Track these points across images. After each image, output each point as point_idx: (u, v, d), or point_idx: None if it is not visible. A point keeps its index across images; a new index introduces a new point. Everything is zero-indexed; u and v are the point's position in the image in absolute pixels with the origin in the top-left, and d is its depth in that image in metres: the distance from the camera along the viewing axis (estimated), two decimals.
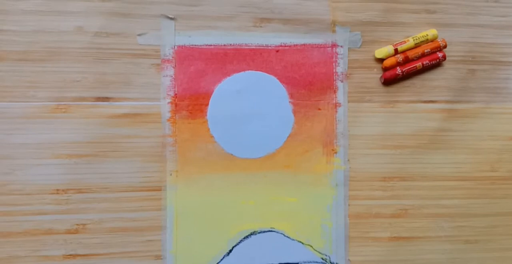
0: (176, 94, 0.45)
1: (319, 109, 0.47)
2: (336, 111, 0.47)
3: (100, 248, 0.44)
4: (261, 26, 0.47)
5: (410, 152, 0.48)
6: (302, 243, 0.46)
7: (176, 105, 0.45)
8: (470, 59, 0.49)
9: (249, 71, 0.46)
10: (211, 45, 0.46)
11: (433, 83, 0.49)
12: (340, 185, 0.47)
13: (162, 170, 0.45)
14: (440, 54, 0.48)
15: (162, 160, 0.45)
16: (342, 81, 0.47)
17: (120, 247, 0.44)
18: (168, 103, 0.45)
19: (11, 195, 0.43)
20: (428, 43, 0.48)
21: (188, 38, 0.46)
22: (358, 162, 0.47)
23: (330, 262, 0.46)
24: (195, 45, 0.46)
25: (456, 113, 0.49)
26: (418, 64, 0.47)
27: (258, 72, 0.47)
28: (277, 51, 0.47)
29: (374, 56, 0.48)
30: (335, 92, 0.47)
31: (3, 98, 0.43)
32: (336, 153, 0.47)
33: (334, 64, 0.47)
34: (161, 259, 0.45)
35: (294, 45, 0.47)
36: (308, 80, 0.47)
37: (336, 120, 0.47)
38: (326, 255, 0.46)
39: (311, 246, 0.46)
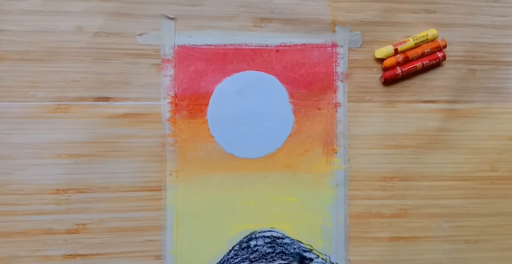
0: (176, 94, 0.45)
1: (319, 109, 0.47)
2: (336, 111, 0.47)
3: (100, 248, 0.44)
4: (261, 26, 0.47)
5: (410, 152, 0.48)
6: (302, 243, 0.46)
7: (176, 105, 0.45)
8: (470, 59, 0.49)
9: (249, 71, 0.46)
10: (211, 45, 0.46)
11: (433, 83, 0.49)
12: (340, 185, 0.47)
13: (162, 170, 0.45)
14: (440, 54, 0.48)
15: (162, 160, 0.45)
16: (342, 81, 0.47)
17: (120, 247, 0.44)
18: (168, 103, 0.45)
19: (11, 195, 0.43)
20: (428, 43, 0.48)
21: (188, 38, 0.46)
22: (358, 162, 0.47)
23: (330, 262, 0.46)
24: (195, 45, 0.46)
25: (456, 113, 0.49)
26: (418, 64, 0.47)
27: (258, 72, 0.47)
28: (277, 51, 0.47)
29: (374, 56, 0.48)
30: (335, 92, 0.47)
31: (3, 98, 0.43)
32: (336, 153, 0.47)
33: (334, 64, 0.47)
34: (161, 259, 0.45)
35: (294, 45, 0.47)
36: (308, 80, 0.47)
37: (336, 120, 0.47)
38: (326, 255, 0.46)
39: (311, 246, 0.46)
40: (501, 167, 0.49)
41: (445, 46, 0.48)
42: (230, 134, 0.46)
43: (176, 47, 0.46)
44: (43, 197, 0.44)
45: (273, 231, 0.46)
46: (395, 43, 0.48)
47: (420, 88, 0.48)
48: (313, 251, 0.46)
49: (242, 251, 0.45)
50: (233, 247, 0.45)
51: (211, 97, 0.46)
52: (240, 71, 0.46)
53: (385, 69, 0.48)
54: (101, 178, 0.44)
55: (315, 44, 0.47)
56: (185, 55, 0.46)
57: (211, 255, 0.45)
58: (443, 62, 0.49)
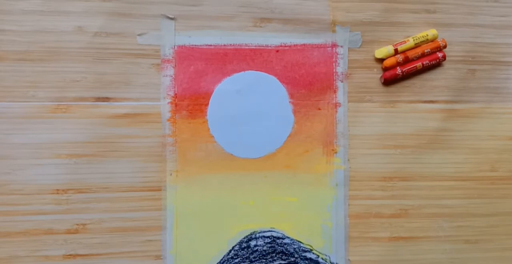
0: (176, 94, 0.45)
1: (319, 109, 0.47)
2: (336, 111, 0.47)
3: (100, 248, 0.44)
4: (261, 26, 0.47)
5: (410, 152, 0.48)
6: (302, 243, 0.46)
7: (176, 105, 0.45)
8: (470, 59, 0.49)
9: (249, 71, 0.46)
10: (211, 45, 0.46)
11: (433, 83, 0.49)
12: (340, 185, 0.47)
13: (162, 170, 0.45)
14: (440, 54, 0.48)
15: (162, 160, 0.45)
16: (342, 81, 0.47)
17: (120, 247, 0.44)
18: (168, 103, 0.45)
19: (11, 195, 0.43)
20: (428, 43, 0.48)
21: (188, 38, 0.46)
22: (358, 162, 0.47)
23: (330, 262, 0.46)
24: (195, 45, 0.46)
25: (456, 113, 0.49)
26: (418, 64, 0.47)
27: (258, 72, 0.47)
28: (277, 51, 0.47)
29: (374, 56, 0.48)
30: (335, 92, 0.47)
31: (3, 98, 0.43)
32: (336, 153, 0.47)
33: (334, 64, 0.47)
34: (161, 259, 0.45)
35: (294, 45, 0.47)
36: (308, 80, 0.47)
37: (336, 120, 0.47)
38: (326, 255, 0.46)
39: (311, 246, 0.46)
40: (501, 167, 0.49)
41: (445, 46, 0.48)
42: (230, 134, 0.46)
43: (176, 47, 0.46)
44: (43, 197, 0.44)
45: (273, 231, 0.46)
46: (395, 43, 0.48)
47: (420, 88, 0.48)
48: (313, 251, 0.46)
49: (242, 251, 0.45)
50: (233, 247, 0.45)
51: (211, 97, 0.46)
52: (240, 71, 0.46)
53: (385, 69, 0.48)
54: (101, 178, 0.44)
55: (315, 44, 0.47)
56: (185, 55, 0.46)
57: (211, 255, 0.45)
58: (443, 62, 0.49)
